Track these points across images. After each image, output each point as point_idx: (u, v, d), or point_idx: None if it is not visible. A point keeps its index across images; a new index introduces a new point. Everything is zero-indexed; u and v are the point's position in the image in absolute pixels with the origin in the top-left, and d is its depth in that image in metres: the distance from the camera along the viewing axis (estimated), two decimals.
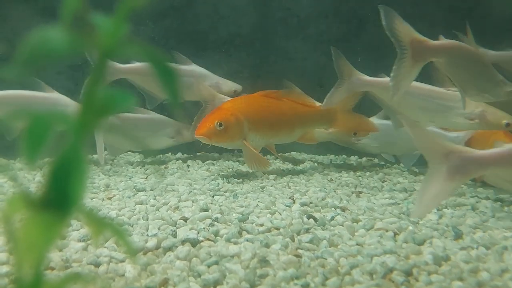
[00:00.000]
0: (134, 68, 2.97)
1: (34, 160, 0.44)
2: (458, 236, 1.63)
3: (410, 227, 1.66)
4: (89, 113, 0.45)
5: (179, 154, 3.52)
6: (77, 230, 1.50)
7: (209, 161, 3.25)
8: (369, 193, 2.30)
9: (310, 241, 1.50)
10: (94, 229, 0.53)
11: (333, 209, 1.92)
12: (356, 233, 1.63)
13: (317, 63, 3.43)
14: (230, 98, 2.95)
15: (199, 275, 1.26)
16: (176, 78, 0.46)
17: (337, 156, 3.54)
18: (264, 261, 1.32)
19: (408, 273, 1.30)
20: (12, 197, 0.50)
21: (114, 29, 0.44)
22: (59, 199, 0.44)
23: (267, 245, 1.45)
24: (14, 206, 0.49)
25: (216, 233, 1.55)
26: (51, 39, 0.41)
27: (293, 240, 1.51)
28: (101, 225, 0.54)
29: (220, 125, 2.49)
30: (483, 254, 1.45)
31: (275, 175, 2.70)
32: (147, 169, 2.93)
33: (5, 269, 1.25)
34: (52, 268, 1.27)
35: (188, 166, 3.08)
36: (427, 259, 1.37)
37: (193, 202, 1.93)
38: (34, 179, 2.48)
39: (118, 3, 0.47)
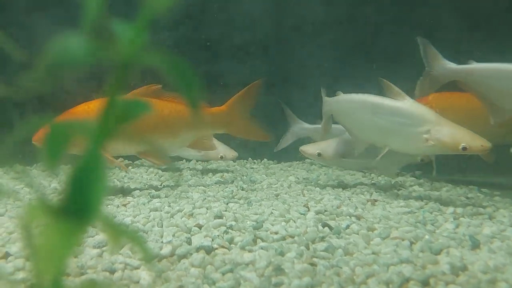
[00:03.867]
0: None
1: (54, 167, 0.44)
2: (475, 245, 1.61)
3: (427, 236, 1.64)
4: (109, 121, 0.45)
5: (193, 161, 3.53)
6: (92, 237, 1.50)
7: (223, 168, 3.25)
8: (384, 201, 2.28)
9: (325, 250, 1.49)
10: (111, 236, 0.53)
11: (348, 217, 1.90)
12: (371, 242, 1.62)
13: (332, 70, 3.42)
14: None
15: (214, 283, 1.25)
16: (197, 85, 0.46)
17: None
18: (279, 269, 1.31)
19: (425, 283, 1.28)
20: (31, 204, 0.50)
21: (135, 37, 0.44)
22: (79, 206, 0.44)
23: (282, 253, 1.44)
24: (33, 213, 0.49)
25: (231, 241, 1.55)
26: (72, 47, 0.42)
27: (308, 249, 1.50)
28: (118, 231, 0.54)
29: None
30: (501, 264, 1.42)
31: (289, 183, 2.69)
32: (161, 176, 2.94)
33: (21, 275, 1.26)
34: (68, 275, 1.28)
35: (202, 173, 3.09)
36: (444, 269, 1.35)
37: (207, 209, 1.93)
38: (50, 186, 2.50)
39: (138, 10, 0.47)
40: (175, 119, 2.45)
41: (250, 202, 2.12)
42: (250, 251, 1.47)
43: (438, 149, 2.21)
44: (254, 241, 1.55)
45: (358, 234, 1.68)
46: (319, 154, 2.69)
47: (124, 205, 2.07)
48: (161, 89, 2.42)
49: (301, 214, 1.90)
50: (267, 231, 1.65)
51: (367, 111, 2.36)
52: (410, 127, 2.23)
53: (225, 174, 3.04)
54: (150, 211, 1.93)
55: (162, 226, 1.70)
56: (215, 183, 2.69)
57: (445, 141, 2.16)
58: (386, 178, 3.04)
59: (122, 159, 3.39)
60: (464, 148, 2.14)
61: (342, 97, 2.52)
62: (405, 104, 2.28)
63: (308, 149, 2.72)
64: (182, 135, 2.51)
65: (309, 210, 1.97)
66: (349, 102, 2.48)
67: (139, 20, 0.46)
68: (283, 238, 1.59)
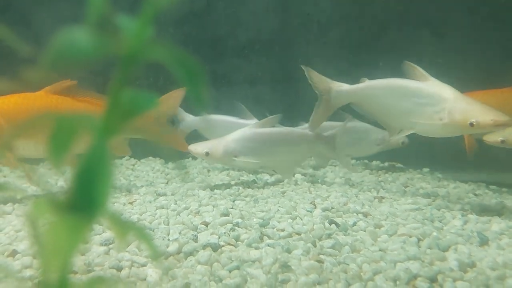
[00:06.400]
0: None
1: (60, 164, 0.44)
2: (483, 242, 1.60)
3: (434, 233, 1.63)
4: (115, 116, 0.45)
5: (199, 159, 3.52)
6: (99, 234, 1.50)
7: None
8: (391, 198, 2.27)
9: (332, 247, 1.49)
10: (118, 232, 0.53)
11: (355, 214, 1.89)
12: (378, 239, 1.61)
13: (339, 68, 3.41)
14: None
15: (221, 280, 1.25)
16: (202, 80, 0.45)
17: (358, 161, 3.51)
18: (285, 266, 1.31)
19: (432, 280, 1.27)
20: (37, 201, 0.50)
21: (140, 32, 0.44)
22: (85, 202, 0.44)
23: (288, 250, 1.44)
24: (39, 210, 0.49)
25: (237, 238, 1.54)
26: (77, 41, 0.41)
27: (314, 246, 1.50)
28: (125, 228, 0.53)
29: None
30: (509, 260, 1.41)
31: (295, 180, 2.68)
32: (167, 174, 2.94)
33: (29, 272, 1.26)
34: (75, 272, 1.28)
35: (208, 170, 3.08)
36: (452, 266, 1.34)
37: (213, 206, 1.93)
38: (57, 184, 2.51)
39: (142, 6, 0.47)
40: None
41: (257, 199, 2.12)
42: (256, 248, 1.47)
43: (450, 128, 2.00)
44: (261, 238, 1.55)
45: (365, 231, 1.67)
46: (207, 153, 2.55)
47: (131, 203, 2.07)
48: (75, 85, 2.24)
49: (308, 211, 1.90)
50: (273, 228, 1.65)
51: (393, 94, 2.22)
52: (429, 107, 2.06)
53: (231, 171, 3.03)
54: (157, 209, 1.93)
55: (168, 224, 1.70)
56: (221, 181, 2.69)
57: (455, 118, 1.95)
58: (394, 175, 3.03)
59: (127, 157, 3.39)
60: (472, 125, 1.90)
61: (369, 83, 2.35)
62: (427, 84, 2.12)
63: (196, 147, 2.58)
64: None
65: (315, 207, 1.96)
66: (376, 87, 2.32)
67: (144, 15, 0.45)
68: (290, 235, 1.59)
